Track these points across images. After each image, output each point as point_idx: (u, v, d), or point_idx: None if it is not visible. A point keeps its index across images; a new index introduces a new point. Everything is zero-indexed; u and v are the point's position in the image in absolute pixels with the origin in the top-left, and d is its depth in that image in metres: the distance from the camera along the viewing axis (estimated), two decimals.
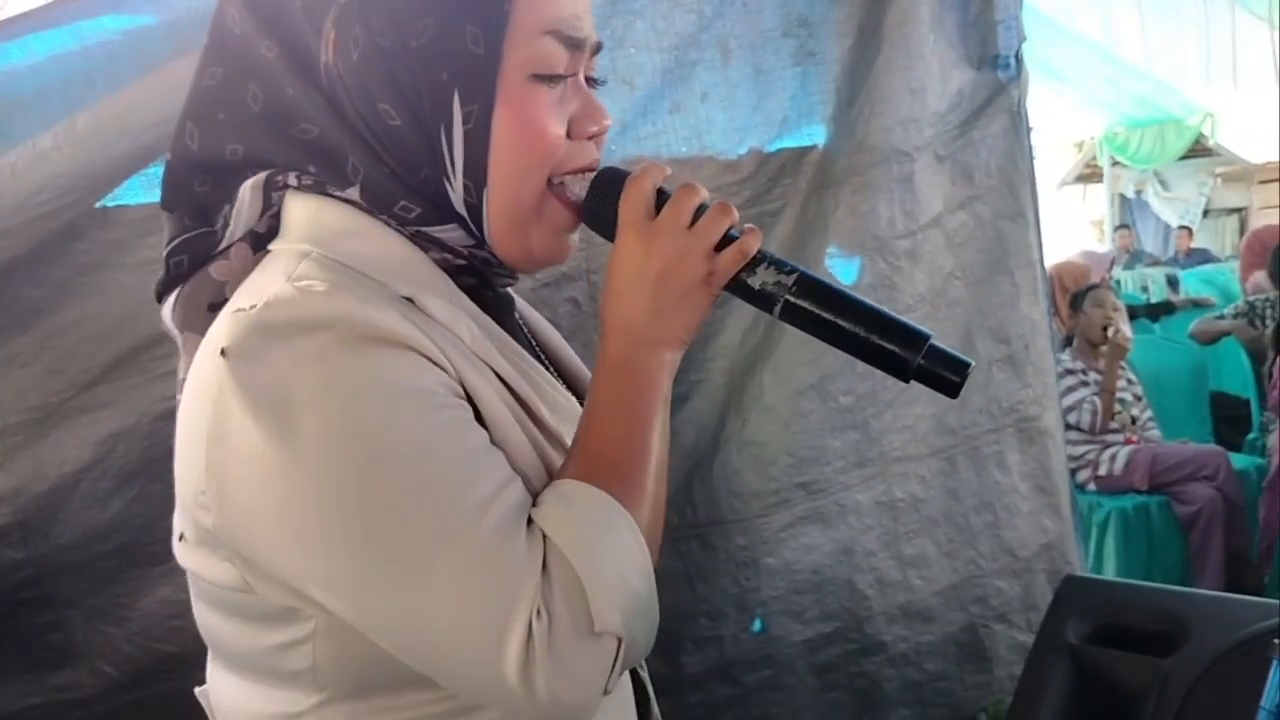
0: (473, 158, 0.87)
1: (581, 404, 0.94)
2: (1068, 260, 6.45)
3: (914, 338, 0.87)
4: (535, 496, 0.84)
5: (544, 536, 0.80)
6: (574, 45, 0.89)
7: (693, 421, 2.31)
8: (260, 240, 0.91)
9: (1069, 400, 4.31)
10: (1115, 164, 11.84)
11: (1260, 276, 6.96)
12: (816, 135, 2.33)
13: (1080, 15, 7.11)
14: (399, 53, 0.84)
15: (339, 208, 0.88)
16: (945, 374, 0.88)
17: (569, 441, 0.91)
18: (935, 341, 0.88)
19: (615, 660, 0.80)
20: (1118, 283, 7.97)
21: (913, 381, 0.89)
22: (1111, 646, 1.97)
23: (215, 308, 0.89)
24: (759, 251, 0.89)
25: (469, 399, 0.84)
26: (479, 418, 0.84)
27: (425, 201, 0.88)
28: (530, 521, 0.81)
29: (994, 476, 2.60)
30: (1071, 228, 12.06)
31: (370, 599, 0.78)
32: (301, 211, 0.89)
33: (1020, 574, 2.65)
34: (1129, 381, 4.59)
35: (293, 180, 0.89)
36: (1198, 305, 7.11)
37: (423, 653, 0.80)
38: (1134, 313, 6.36)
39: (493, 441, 0.84)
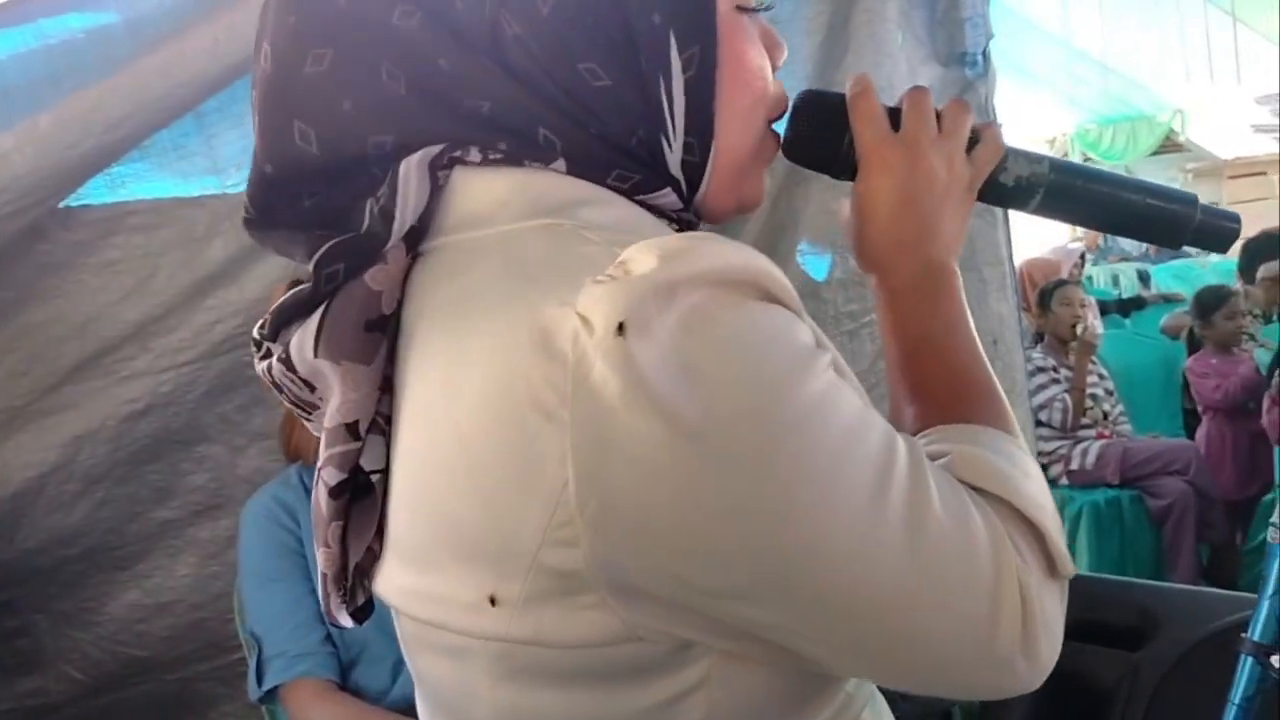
0: (696, 109, 0.73)
1: None
2: (1036, 257, 6.49)
3: (1184, 197, 0.84)
4: None
5: (968, 489, 0.68)
6: None
7: None
8: (413, 237, 0.72)
9: (1040, 398, 4.33)
10: (1086, 160, 11.93)
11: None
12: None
13: (1050, 13, 7.15)
14: (600, 1, 0.70)
15: (551, 176, 0.72)
16: (1222, 226, 0.84)
17: None
18: (1204, 202, 0.85)
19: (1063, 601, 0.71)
20: (1089, 278, 8.02)
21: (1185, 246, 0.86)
22: (1083, 641, 1.98)
23: (371, 327, 0.72)
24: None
25: None
26: None
27: (640, 166, 0.73)
28: None
29: None
30: (1044, 224, 12.11)
31: (817, 611, 0.63)
32: (497, 189, 0.72)
33: None
34: (1100, 376, 4.62)
35: (475, 155, 0.71)
36: (1168, 300, 7.17)
37: (898, 645, 0.65)
38: (1105, 308, 6.40)
39: None
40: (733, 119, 0.75)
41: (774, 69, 0.79)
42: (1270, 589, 1.46)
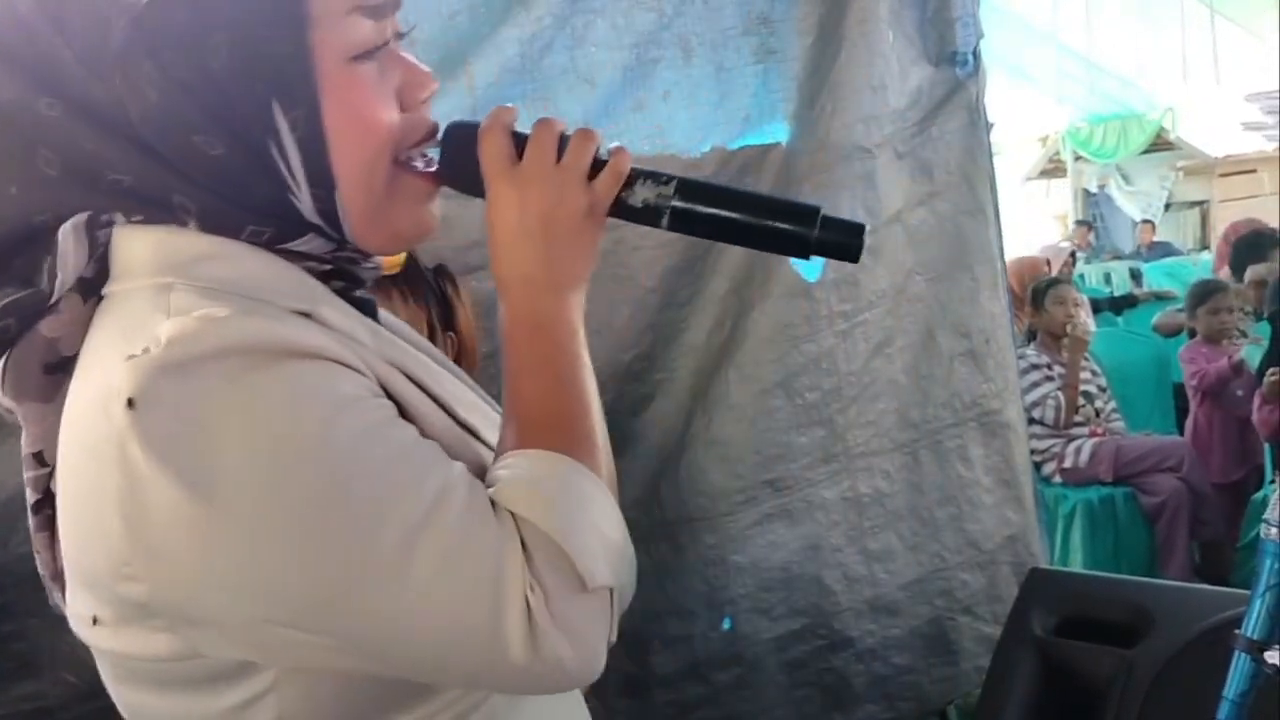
0: (313, 163, 0.80)
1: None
2: (1020, 256, 6.50)
3: (805, 213, 0.87)
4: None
5: (510, 513, 0.77)
6: (378, 14, 0.82)
7: (658, 421, 2.30)
8: (90, 286, 0.80)
9: (1033, 395, 4.34)
10: (1078, 159, 11.95)
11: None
12: (779, 133, 2.34)
13: (1042, 12, 7.17)
14: (200, 80, 0.76)
15: (186, 234, 0.80)
16: (843, 240, 0.88)
17: (484, 434, 0.88)
18: (827, 212, 0.87)
19: (611, 608, 0.80)
20: (1080, 277, 8.04)
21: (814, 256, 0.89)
22: (1077, 638, 1.99)
23: (52, 369, 0.80)
24: (632, 169, 0.87)
25: (390, 397, 0.80)
26: (403, 416, 0.80)
27: (273, 220, 0.81)
28: (492, 502, 0.78)
29: (957, 470, 2.61)
30: (1036, 222, 12.14)
31: (351, 622, 0.73)
32: (141, 245, 0.80)
33: (985, 566, 2.67)
34: (1093, 373, 4.63)
35: (119, 219, 0.80)
36: (1160, 298, 7.18)
37: (422, 660, 0.76)
38: (1097, 306, 6.42)
39: (423, 434, 0.80)
40: (353, 167, 0.81)
41: (415, 105, 0.85)
42: (1264, 586, 1.46)
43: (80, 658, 1.77)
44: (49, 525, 0.83)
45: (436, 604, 0.73)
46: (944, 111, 2.50)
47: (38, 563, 0.87)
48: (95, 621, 0.78)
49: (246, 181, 0.79)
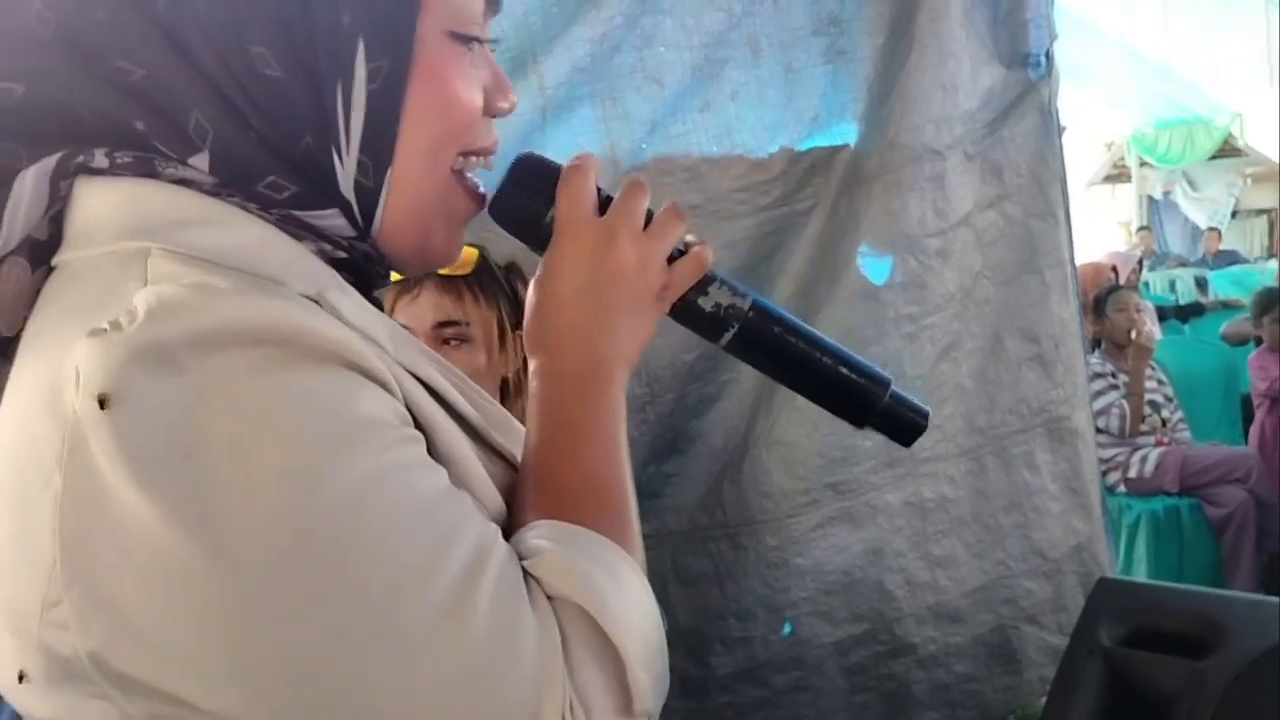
0: (376, 128, 0.67)
1: None
2: (1085, 262, 6.43)
3: (876, 382, 0.79)
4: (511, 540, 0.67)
5: (549, 598, 0.62)
6: (490, 1, 0.74)
7: (723, 422, 2.30)
8: (40, 250, 0.66)
9: (1098, 404, 4.28)
10: (1143, 164, 11.79)
11: None
12: (848, 134, 2.32)
13: (1108, 15, 7.08)
14: None
15: (168, 189, 0.64)
16: (907, 419, 0.80)
17: (518, 457, 0.75)
18: (897, 388, 0.80)
19: None
20: (1145, 284, 7.93)
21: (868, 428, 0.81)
22: (1146, 649, 1.95)
23: None
24: (711, 270, 0.78)
25: (417, 425, 0.65)
26: (429, 448, 0.65)
27: (302, 178, 0.67)
28: (527, 583, 0.63)
29: (1023, 477, 2.58)
30: (1099, 228, 12.00)
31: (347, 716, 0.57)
32: (108, 203, 0.65)
33: (1050, 575, 2.64)
34: (1159, 383, 4.56)
35: (100, 160, 0.64)
36: (1227, 307, 7.07)
37: None
38: (1163, 314, 6.34)
39: (451, 479, 0.65)
40: (418, 148, 0.70)
41: (495, 112, 0.75)
42: None
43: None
44: None
45: (452, 700, 0.58)
46: (1015, 113, 2.47)
47: None
48: (22, 678, 0.60)
49: (291, 121, 0.66)
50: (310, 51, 0.65)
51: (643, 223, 0.75)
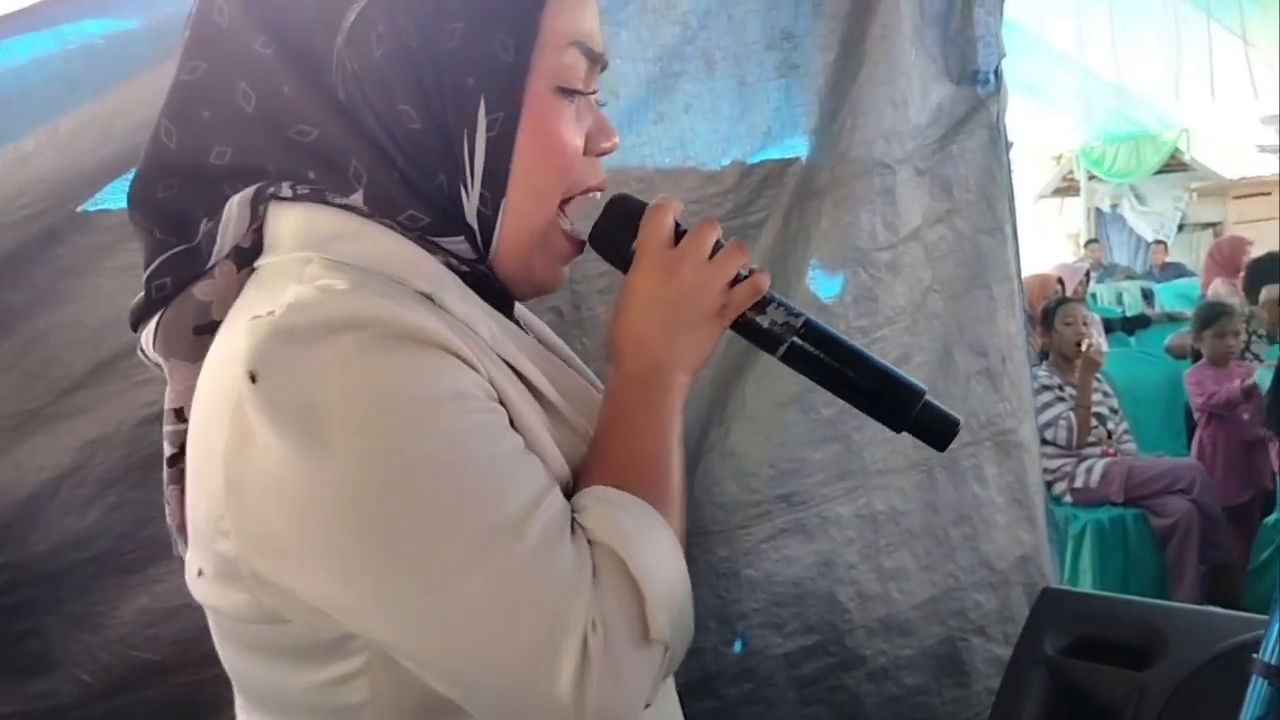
0: (494, 166, 0.85)
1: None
2: (1032, 274, 6.49)
3: (911, 392, 0.93)
4: (569, 500, 0.82)
5: (589, 543, 0.78)
6: (594, 59, 0.89)
7: None
8: (245, 256, 0.87)
9: (1046, 416, 4.33)
10: (1092, 178, 11.94)
11: (1219, 284, 7.06)
12: (799, 147, 2.34)
13: (1058, 32, 7.16)
14: (426, 54, 0.81)
15: (332, 213, 0.84)
16: (938, 429, 0.94)
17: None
18: (930, 398, 0.93)
19: (660, 669, 0.79)
20: (1093, 296, 8.03)
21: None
22: (1089, 659, 1.97)
23: (201, 331, 0.86)
24: (768, 292, 0.93)
25: (500, 401, 0.81)
26: (510, 422, 0.81)
27: (435, 210, 0.85)
28: (573, 528, 0.79)
29: (972, 489, 2.60)
30: (1048, 241, 12.13)
31: (405, 624, 0.74)
32: (290, 221, 0.85)
33: (997, 587, 2.66)
34: (1105, 394, 4.62)
35: (286, 191, 0.84)
36: (1173, 319, 7.18)
37: (465, 678, 0.76)
38: (1110, 326, 6.42)
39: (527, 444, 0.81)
40: (527, 183, 0.86)
41: (597, 152, 0.92)
42: None
43: (95, 656, 1.78)
44: (181, 479, 0.87)
45: (492, 626, 0.73)
46: (965, 129, 2.50)
47: (166, 513, 0.93)
48: (200, 574, 0.81)
49: (429, 162, 0.84)
50: (443, 108, 0.83)
51: (709, 253, 0.91)
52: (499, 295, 0.93)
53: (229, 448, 0.74)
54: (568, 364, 1.02)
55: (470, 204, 0.85)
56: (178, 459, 0.89)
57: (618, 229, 0.94)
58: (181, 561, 0.89)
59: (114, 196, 1.68)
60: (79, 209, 1.67)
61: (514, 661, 0.73)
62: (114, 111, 1.59)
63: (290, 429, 0.72)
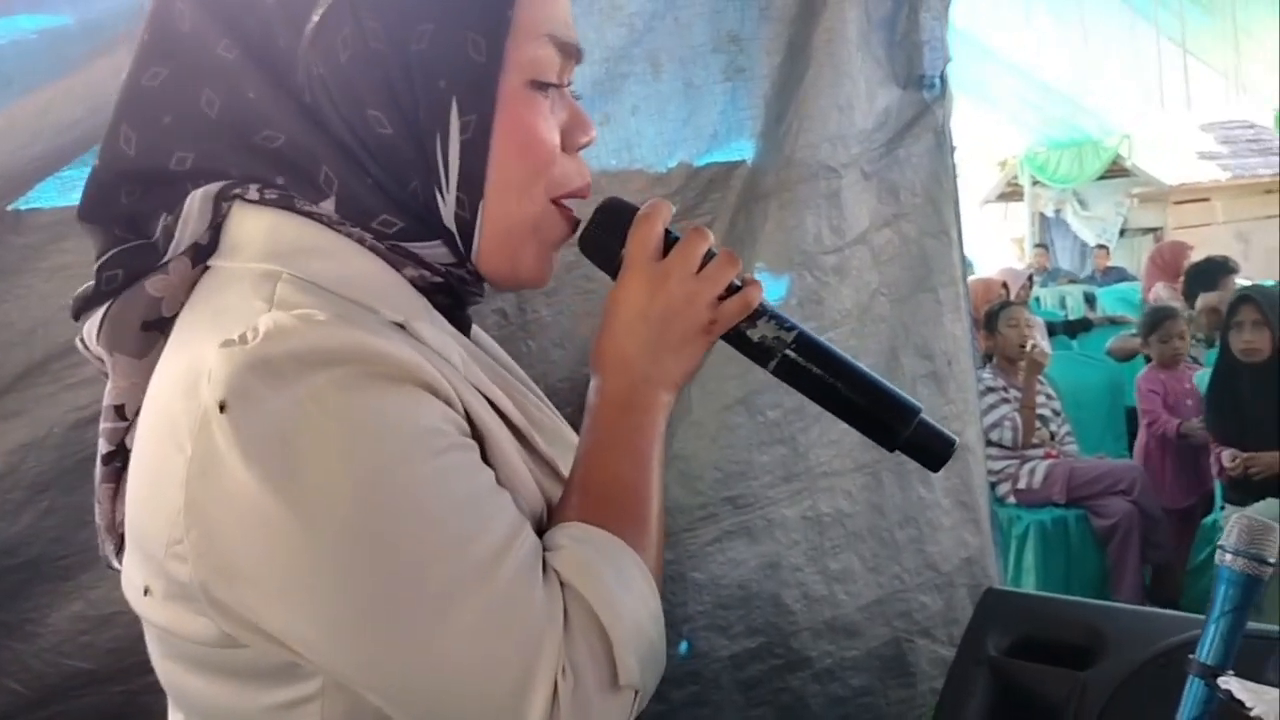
0: (469, 169, 0.82)
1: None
2: (977, 278, 6.55)
3: (906, 409, 0.89)
4: (541, 534, 0.80)
5: (560, 584, 0.76)
6: (567, 52, 0.86)
7: None
8: (202, 253, 0.84)
9: (991, 418, 4.37)
10: (1036, 183, 12.07)
11: (1160, 288, 7.18)
12: (745, 150, 2.34)
13: (1003, 37, 7.24)
14: (395, 57, 0.79)
15: (299, 222, 0.81)
16: (932, 448, 0.90)
17: (563, 468, 0.88)
18: (925, 416, 0.89)
19: (630, 713, 0.78)
20: (1036, 300, 8.12)
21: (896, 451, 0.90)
22: (1031, 659, 1.99)
23: (150, 326, 0.84)
24: (760, 304, 0.89)
25: (475, 432, 0.79)
26: (483, 453, 0.79)
27: (410, 216, 0.83)
28: (545, 568, 0.77)
29: (917, 492, 2.62)
30: (993, 245, 12.26)
31: (371, 663, 0.72)
32: (254, 226, 0.81)
33: (942, 588, 2.68)
34: (1048, 396, 4.67)
35: (253, 193, 0.81)
36: (1114, 322, 7.27)
37: (424, 713, 0.74)
38: (1052, 329, 6.49)
39: (499, 480, 0.79)
40: (506, 184, 0.84)
41: (575, 148, 0.88)
42: (1218, 611, 1.46)
43: (27, 665, 1.74)
44: (115, 477, 0.87)
45: (462, 665, 0.72)
46: (911, 134, 2.51)
47: (96, 512, 0.89)
48: (146, 592, 0.79)
49: (402, 168, 0.81)
50: (414, 112, 0.80)
51: (698, 265, 0.87)
52: (460, 316, 0.91)
53: (192, 472, 0.72)
54: (526, 387, 1.00)
55: (447, 208, 0.83)
56: (114, 457, 0.87)
57: (607, 235, 0.90)
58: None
59: (46, 195, 1.64)
60: (10, 207, 1.63)
61: (482, 705, 0.73)
62: (46, 109, 1.56)
63: (262, 462, 0.70)
